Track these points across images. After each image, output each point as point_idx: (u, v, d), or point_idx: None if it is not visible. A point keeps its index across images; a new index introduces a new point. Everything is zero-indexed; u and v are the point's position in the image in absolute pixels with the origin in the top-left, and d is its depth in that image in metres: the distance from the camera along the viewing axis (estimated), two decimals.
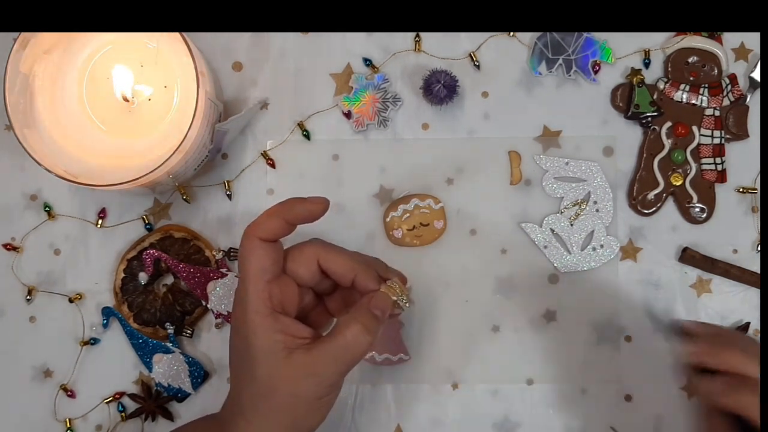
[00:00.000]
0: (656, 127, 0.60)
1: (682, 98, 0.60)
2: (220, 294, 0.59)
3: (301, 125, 0.61)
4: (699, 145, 0.60)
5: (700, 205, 0.60)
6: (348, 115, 0.60)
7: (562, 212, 0.60)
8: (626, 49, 0.60)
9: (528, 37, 0.61)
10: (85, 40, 0.56)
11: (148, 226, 0.60)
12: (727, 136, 0.60)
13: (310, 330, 0.47)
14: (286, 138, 0.61)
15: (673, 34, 0.61)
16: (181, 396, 0.60)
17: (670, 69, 0.60)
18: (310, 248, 0.49)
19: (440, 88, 0.58)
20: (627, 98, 0.60)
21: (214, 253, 0.60)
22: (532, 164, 0.60)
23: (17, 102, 0.53)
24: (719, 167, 0.59)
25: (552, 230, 0.60)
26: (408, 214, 0.60)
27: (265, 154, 0.61)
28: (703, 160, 0.59)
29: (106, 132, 0.56)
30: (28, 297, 0.60)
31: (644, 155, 0.60)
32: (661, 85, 0.60)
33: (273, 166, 0.61)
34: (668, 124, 0.60)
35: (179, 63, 0.54)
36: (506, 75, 0.61)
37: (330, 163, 0.61)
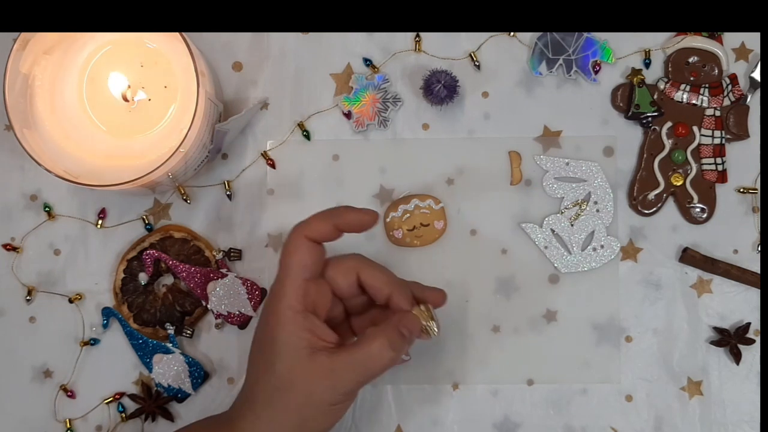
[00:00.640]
0: (656, 127, 0.60)
1: (682, 98, 0.60)
2: (220, 294, 0.59)
3: (301, 125, 0.61)
4: (699, 145, 0.59)
5: (701, 206, 0.59)
6: (348, 115, 0.60)
7: (562, 212, 0.60)
8: (626, 49, 0.60)
9: (528, 37, 0.61)
10: (85, 41, 0.56)
11: (148, 227, 0.60)
12: (728, 136, 0.60)
13: (335, 336, 0.48)
14: (286, 138, 0.61)
15: (674, 34, 0.60)
16: (181, 396, 0.60)
17: (670, 69, 0.60)
18: (351, 260, 0.51)
19: (440, 88, 0.58)
20: (627, 98, 0.60)
21: (214, 253, 0.60)
22: (533, 164, 0.60)
23: (17, 102, 0.53)
24: (720, 167, 0.59)
25: (552, 230, 0.60)
26: (408, 215, 0.60)
27: (265, 154, 0.61)
28: (704, 161, 0.59)
29: (106, 132, 0.56)
30: (28, 297, 0.60)
31: (644, 155, 0.60)
32: (661, 85, 0.60)
33: (273, 166, 0.61)
34: (668, 124, 0.60)
35: (179, 63, 0.54)
36: (506, 75, 0.61)
37: (330, 163, 0.61)
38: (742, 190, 0.60)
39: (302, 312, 0.47)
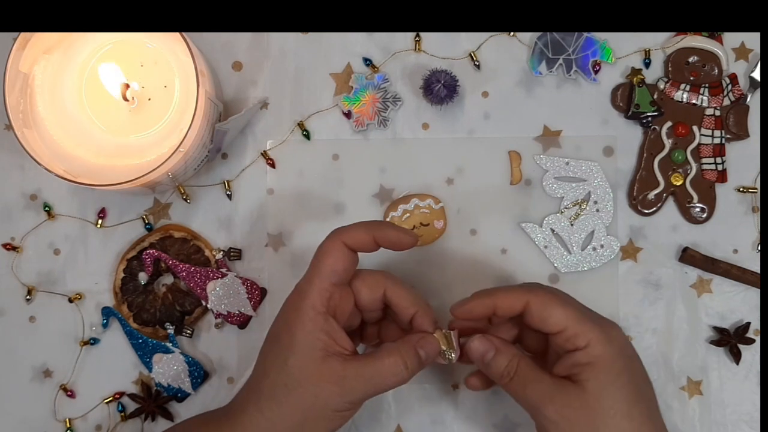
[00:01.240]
0: (656, 126, 0.60)
1: (682, 98, 0.60)
2: (220, 294, 0.59)
3: (301, 125, 0.61)
4: (699, 144, 0.59)
5: (701, 205, 0.60)
6: (348, 115, 0.60)
7: (562, 212, 0.60)
8: (626, 49, 0.60)
9: (528, 37, 0.61)
10: (85, 40, 0.56)
11: (147, 226, 0.60)
12: (728, 136, 0.60)
13: (351, 344, 0.49)
14: (286, 138, 0.61)
15: (674, 34, 0.61)
16: (180, 396, 0.60)
17: (670, 69, 0.60)
18: (380, 275, 0.51)
19: (440, 88, 0.58)
20: (627, 98, 0.60)
21: (214, 253, 0.60)
22: (532, 164, 0.60)
23: (17, 102, 0.53)
24: (719, 167, 0.59)
25: (552, 230, 0.60)
26: (408, 214, 0.60)
27: (265, 154, 0.61)
28: (704, 160, 0.59)
29: (106, 132, 0.56)
30: (27, 297, 0.60)
31: (644, 155, 0.60)
32: (661, 85, 0.60)
33: (273, 166, 0.61)
34: (668, 123, 0.60)
35: (179, 63, 0.54)
36: (506, 75, 0.61)
37: (330, 163, 0.61)
38: (741, 189, 0.60)
39: (323, 314, 0.48)
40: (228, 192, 0.60)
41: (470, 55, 0.60)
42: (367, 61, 0.60)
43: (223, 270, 0.60)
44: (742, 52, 0.61)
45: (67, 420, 0.60)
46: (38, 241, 0.60)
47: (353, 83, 0.60)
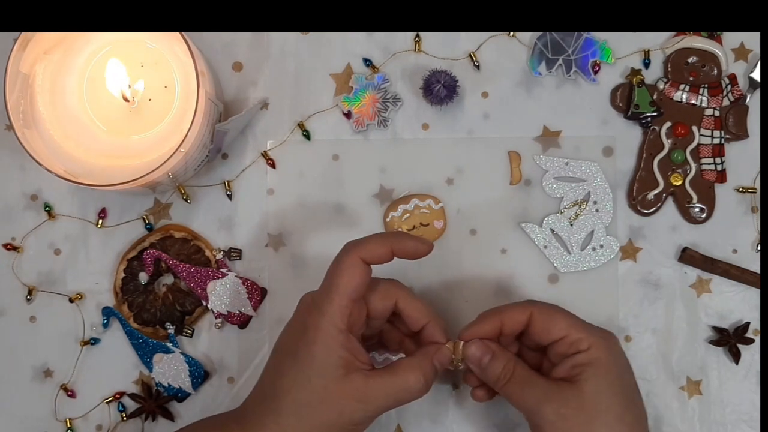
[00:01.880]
0: (656, 127, 0.60)
1: (681, 98, 0.60)
2: (220, 294, 0.59)
3: (301, 125, 0.61)
4: (699, 145, 0.60)
5: (700, 205, 0.60)
6: (348, 115, 0.60)
7: (562, 212, 0.60)
8: (626, 49, 0.60)
9: (528, 37, 0.61)
10: (85, 40, 0.56)
11: (148, 226, 0.60)
12: (727, 136, 0.60)
13: (369, 358, 0.49)
14: (286, 138, 0.61)
15: (673, 34, 0.61)
16: (181, 396, 0.60)
17: (669, 69, 0.60)
18: (392, 286, 0.52)
19: (440, 88, 0.58)
20: (627, 98, 0.60)
21: (214, 253, 0.60)
22: (532, 164, 0.60)
23: (17, 102, 0.53)
24: (719, 167, 0.59)
25: (552, 230, 0.60)
26: (408, 214, 0.60)
27: (265, 154, 0.61)
28: (703, 160, 0.59)
29: (106, 132, 0.56)
30: (28, 297, 0.60)
31: (644, 155, 0.60)
32: (660, 86, 0.60)
33: (273, 166, 0.61)
34: (668, 124, 0.60)
35: (179, 63, 0.54)
36: (506, 75, 0.61)
37: (330, 163, 0.61)
38: (741, 189, 0.60)
39: (344, 331, 0.48)
40: (228, 192, 0.61)
41: (470, 55, 0.61)
42: (367, 62, 0.60)
43: (224, 270, 0.60)
44: (741, 53, 0.61)
45: (68, 420, 0.60)
46: (39, 241, 0.61)
47: (353, 83, 0.60)
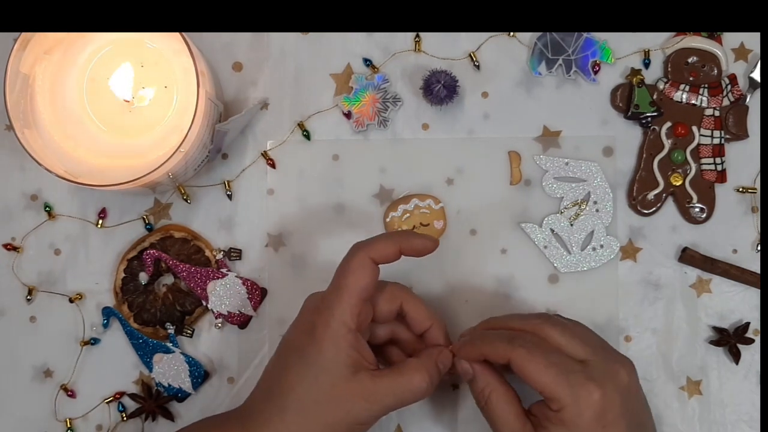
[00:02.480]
0: (656, 127, 0.60)
1: (681, 98, 0.60)
2: (220, 294, 0.59)
3: (301, 125, 0.61)
4: (699, 145, 0.60)
5: (700, 205, 0.60)
6: (348, 115, 0.60)
7: (562, 212, 0.60)
8: (626, 50, 0.60)
9: (528, 37, 0.61)
10: (85, 40, 0.56)
11: (148, 226, 0.60)
12: (727, 136, 0.60)
13: (374, 357, 0.50)
14: (286, 138, 0.61)
15: (673, 34, 0.61)
16: (181, 396, 0.60)
17: (669, 69, 0.60)
18: (397, 288, 0.53)
19: (440, 88, 0.58)
20: (627, 98, 0.60)
21: (214, 253, 0.60)
22: (532, 164, 0.60)
23: (17, 102, 0.53)
24: (719, 167, 0.59)
25: (552, 230, 0.60)
26: (408, 214, 0.60)
27: (265, 154, 0.61)
28: (703, 160, 0.59)
29: (106, 132, 0.56)
30: (28, 297, 0.60)
31: (644, 155, 0.60)
32: (660, 86, 0.60)
33: (273, 166, 0.61)
34: (668, 124, 0.60)
35: (179, 63, 0.54)
36: (506, 75, 0.61)
37: (330, 163, 0.61)
38: (741, 189, 0.60)
39: (353, 331, 0.48)
40: (228, 192, 0.61)
41: (470, 55, 0.61)
42: (367, 62, 0.60)
43: (224, 270, 0.60)
44: (741, 53, 0.61)
45: (68, 420, 0.60)
46: (39, 241, 0.61)
47: (353, 83, 0.60)
